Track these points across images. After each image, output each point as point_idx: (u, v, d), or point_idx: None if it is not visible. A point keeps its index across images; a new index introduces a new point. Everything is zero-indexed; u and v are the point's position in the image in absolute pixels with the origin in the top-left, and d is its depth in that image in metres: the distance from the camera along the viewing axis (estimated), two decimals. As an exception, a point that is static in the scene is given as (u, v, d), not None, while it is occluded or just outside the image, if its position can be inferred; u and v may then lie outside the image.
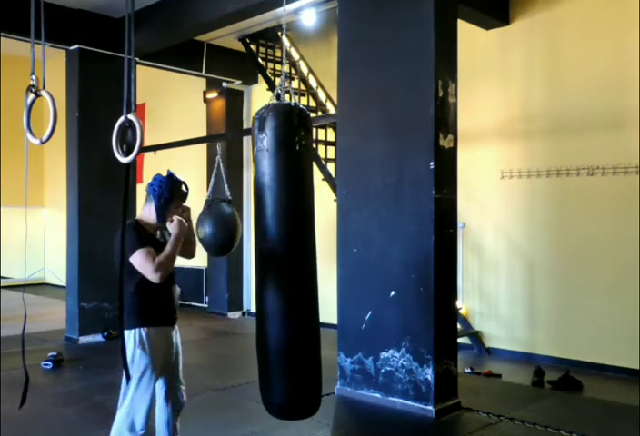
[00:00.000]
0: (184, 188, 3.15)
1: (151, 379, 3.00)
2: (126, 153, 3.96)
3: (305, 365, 3.07)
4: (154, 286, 2.99)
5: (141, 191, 8.18)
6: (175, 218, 3.01)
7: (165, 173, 3.17)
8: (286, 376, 3.03)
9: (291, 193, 3.07)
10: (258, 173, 3.09)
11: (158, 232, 3.18)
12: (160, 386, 3.15)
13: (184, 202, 3.17)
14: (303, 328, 3.09)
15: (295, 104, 3.17)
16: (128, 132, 3.68)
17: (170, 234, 3.08)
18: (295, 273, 3.08)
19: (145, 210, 3.13)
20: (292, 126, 3.02)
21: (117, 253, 2.91)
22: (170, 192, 3.07)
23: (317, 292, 3.19)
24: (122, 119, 3.87)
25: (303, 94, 8.09)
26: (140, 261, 2.93)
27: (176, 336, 3.23)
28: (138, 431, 2.95)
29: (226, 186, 5.78)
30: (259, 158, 3.08)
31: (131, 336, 2.98)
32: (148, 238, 3.06)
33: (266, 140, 3.04)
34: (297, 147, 3.02)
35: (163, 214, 3.06)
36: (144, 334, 2.99)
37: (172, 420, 3.20)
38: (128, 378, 2.87)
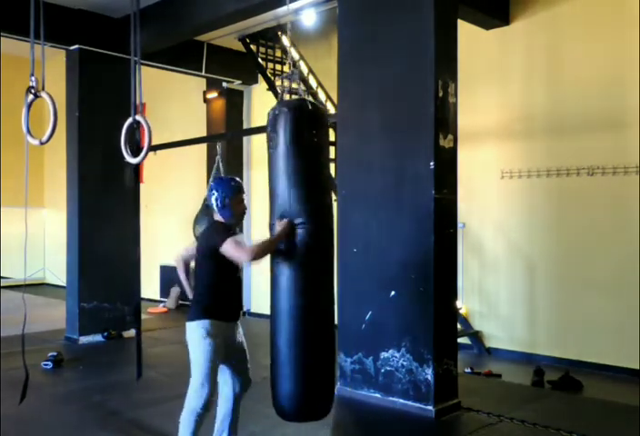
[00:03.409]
0: (232, 183, 3.39)
1: (216, 365, 3.22)
2: (134, 154, 3.97)
3: (316, 366, 3.11)
4: (225, 285, 3.26)
5: (141, 191, 8.21)
6: (286, 221, 3.10)
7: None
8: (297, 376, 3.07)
9: (312, 189, 3.11)
10: (274, 169, 3.11)
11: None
12: (222, 375, 3.36)
13: (242, 194, 3.41)
14: (317, 329, 3.12)
15: (307, 100, 3.21)
16: (136, 133, 3.70)
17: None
18: (309, 269, 3.11)
19: (215, 216, 3.37)
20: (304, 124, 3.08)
21: (202, 247, 3.27)
22: (223, 192, 3.30)
23: (333, 287, 3.22)
24: (130, 120, 3.88)
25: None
26: (233, 245, 3.09)
27: (239, 329, 3.43)
28: (203, 411, 3.19)
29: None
30: (272, 155, 3.12)
31: (199, 326, 3.19)
32: (233, 232, 3.27)
33: (278, 137, 3.07)
34: (310, 142, 3.08)
35: (230, 214, 3.32)
36: (208, 326, 3.19)
37: (235, 406, 3.43)
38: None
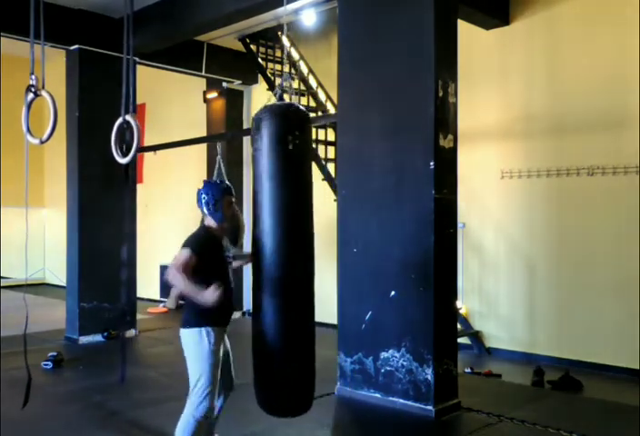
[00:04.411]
0: (223, 186, 3.37)
1: (217, 370, 3.24)
2: (125, 154, 4.01)
3: (298, 364, 3.12)
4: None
5: (141, 191, 8.20)
6: (214, 290, 3.06)
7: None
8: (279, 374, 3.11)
9: (286, 193, 3.10)
10: (255, 172, 3.14)
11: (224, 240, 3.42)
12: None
13: (231, 195, 3.39)
14: (296, 328, 3.14)
15: (292, 104, 3.20)
16: (127, 132, 3.73)
17: (229, 242, 3.43)
18: (290, 273, 3.12)
19: (206, 221, 3.36)
20: (285, 128, 3.07)
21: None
22: (213, 195, 3.28)
23: (313, 291, 3.22)
24: (120, 120, 3.92)
25: (303, 94, 8.09)
26: (179, 258, 3.14)
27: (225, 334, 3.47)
28: (204, 416, 3.21)
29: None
30: (256, 158, 3.14)
31: (201, 333, 3.19)
32: (212, 246, 3.29)
33: (261, 140, 3.09)
34: (290, 147, 3.08)
35: (219, 217, 3.30)
36: (211, 332, 3.20)
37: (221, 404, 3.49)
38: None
